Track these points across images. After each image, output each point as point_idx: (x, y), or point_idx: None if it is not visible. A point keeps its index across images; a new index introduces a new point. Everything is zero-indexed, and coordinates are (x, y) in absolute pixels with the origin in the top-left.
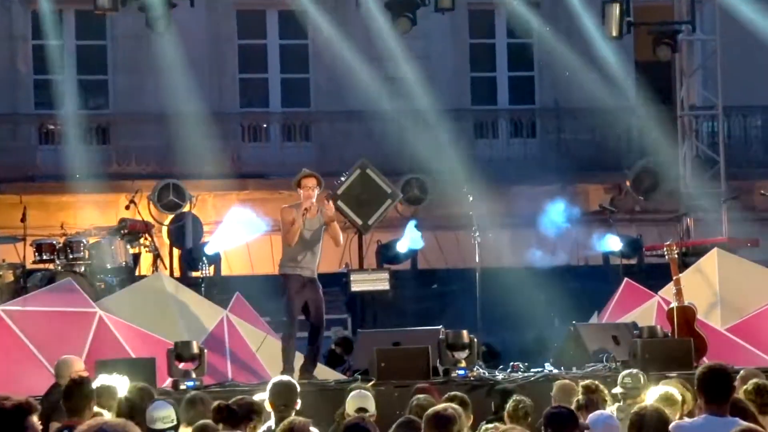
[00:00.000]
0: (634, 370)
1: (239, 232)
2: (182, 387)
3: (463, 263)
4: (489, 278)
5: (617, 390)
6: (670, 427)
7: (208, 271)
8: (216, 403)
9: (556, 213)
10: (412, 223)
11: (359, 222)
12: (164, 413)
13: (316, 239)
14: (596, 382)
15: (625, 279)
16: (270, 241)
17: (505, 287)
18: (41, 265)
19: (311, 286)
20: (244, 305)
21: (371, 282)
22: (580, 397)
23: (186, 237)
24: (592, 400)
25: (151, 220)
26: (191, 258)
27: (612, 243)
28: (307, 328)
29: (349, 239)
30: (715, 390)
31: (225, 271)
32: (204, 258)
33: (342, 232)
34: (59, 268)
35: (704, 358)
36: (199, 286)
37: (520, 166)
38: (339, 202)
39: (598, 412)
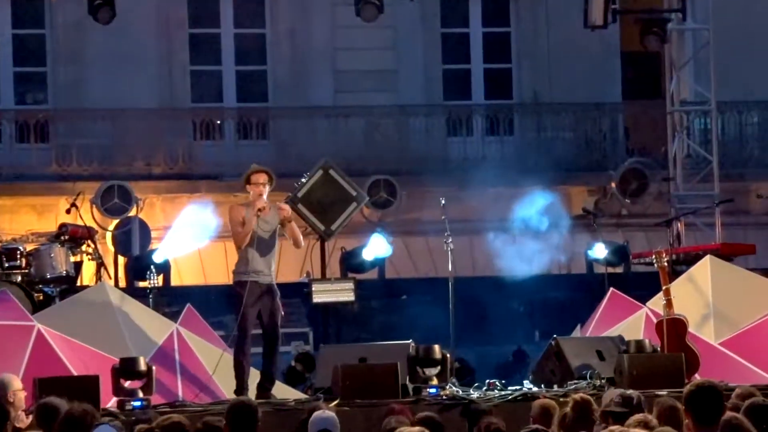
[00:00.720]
0: (629, 391)
1: (191, 236)
2: (128, 407)
3: (434, 272)
4: (463, 288)
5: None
6: None
7: (157, 280)
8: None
9: (535, 213)
10: (378, 230)
11: (321, 227)
12: None
13: (272, 242)
14: (589, 397)
15: (611, 289)
16: (224, 247)
17: (480, 298)
18: None
19: (268, 294)
20: (196, 318)
21: (335, 293)
22: (569, 412)
23: (132, 243)
24: (585, 417)
25: (94, 225)
26: (138, 266)
27: (596, 250)
28: (262, 342)
29: (310, 246)
30: (705, 409)
31: (175, 281)
32: (152, 266)
33: (303, 238)
34: None
35: (696, 375)
36: (146, 297)
37: (496, 166)
38: (299, 206)
39: None
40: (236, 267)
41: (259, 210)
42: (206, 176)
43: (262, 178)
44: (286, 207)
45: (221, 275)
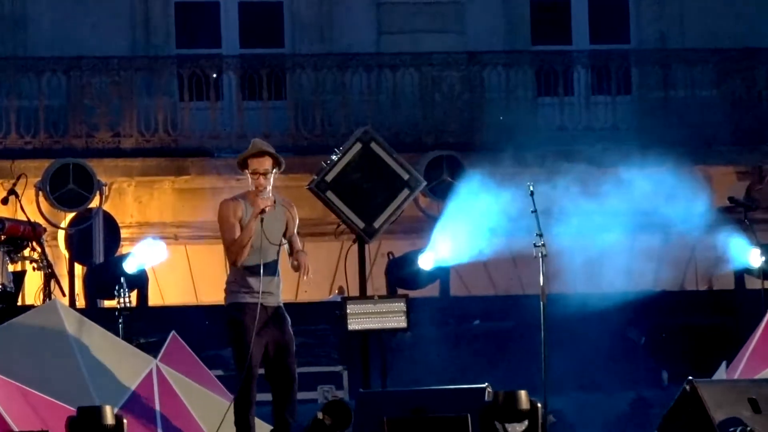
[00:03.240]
0: None
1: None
2: None
3: (519, 287)
4: (558, 310)
5: None
6: None
7: (129, 298)
8: None
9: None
10: (440, 226)
11: (360, 225)
12: None
13: (276, 251)
14: None
15: None
16: (222, 253)
17: (583, 325)
18: None
19: (276, 320)
20: (183, 351)
21: (379, 317)
22: None
23: (94, 247)
24: None
25: (40, 220)
26: (103, 279)
27: (749, 256)
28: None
29: (344, 251)
30: None
31: (155, 299)
32: (122, 279)
33: (336, 238)
34: None
35: None
36: (115, 322)
37: (605, 137)
38: (328, 194)
39: None
40: (230, 283)
41: (262, 210)
42: (197, 152)
43: (265, 163)
44: (305, 264)
45: (219, 291)
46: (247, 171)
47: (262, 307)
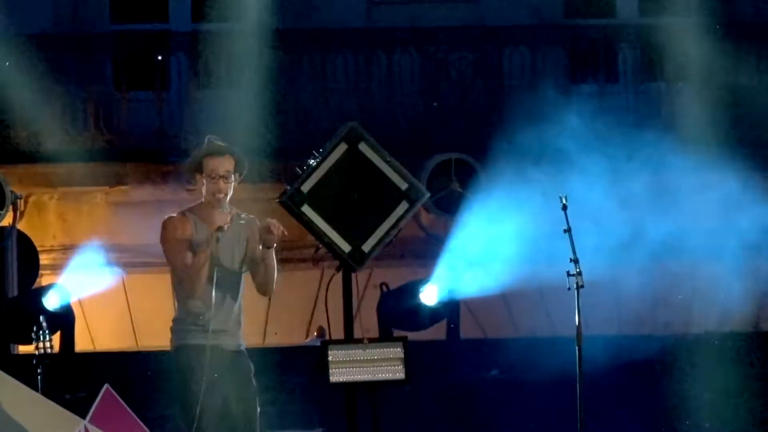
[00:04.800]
0: None
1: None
2: None
3: (550, 326)
4: (599, 357)
5: None
6: None
7: (51, 343)
8: None
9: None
10: (447, 249)
11: (345, 248)
12: None
13: (237, 279)
14: None
15: None
16: (170, 282)
17: (630, 375)
18: None
19: (235, 368)
20: (118, 409)
21: (369, 365)
22: None
23: (6, 276)
24: None
25: None
26: (17, 318)
27: None
28: None
29: (324, 281)
30: None
31: (83, 343)
32: (42, 318)
33: (312, 265)
34: None
35: None
36: (33, 373)
37: (658, 136)
38: (305, 208)
39: None
40: (176, 321)
41: (219, 227)
42: (137, 155)
43: (225, 163)
44: (273, 223)
45: (165, 333)
46: (199, 176)
47: (216, 349)
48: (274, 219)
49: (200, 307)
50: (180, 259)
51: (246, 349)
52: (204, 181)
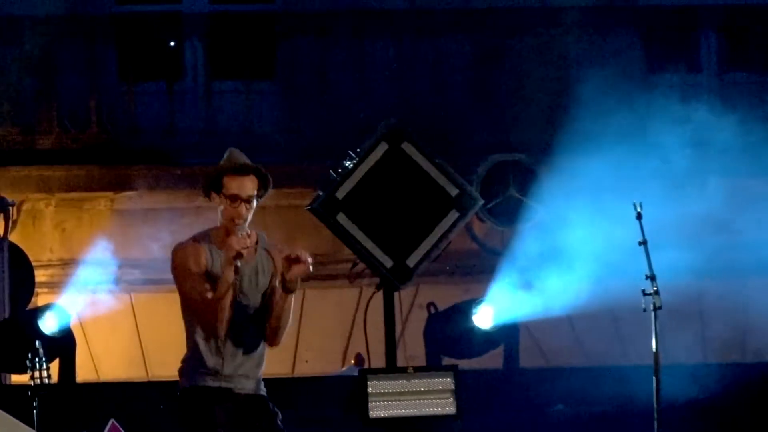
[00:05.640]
0: None
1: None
2: None
3: (620, 354)
4: (681, 388)
5: None
6: None
7: (48, 372)
8: None
9: None
10: (504, 265)
11: (387, 263)
12: None
13: (258, 315)
14: None
15: None
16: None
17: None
18: None
19: (256, 415)
20: None
21: (415, 398)
22: None
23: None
24: None
25: None
26: (10, 343)
27: None
28: None
29: (363, 301)
30: None
31: (86, 372)
32: (39, 343)
33: (351, 284)
34: None
35: None
36: (28, 406)
37: (750, 133)
38: (340, 217)
39: None
40: (186, 360)
41: (238, 254)
42: (146, 156)
43: (247, 185)
44: (302, 255)
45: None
46: (216, 196)
47: (233, 394)
48: (302, 251)
49: (211, 345)
50: (196, 295)
51: (272, 378)
52: (221, 202)
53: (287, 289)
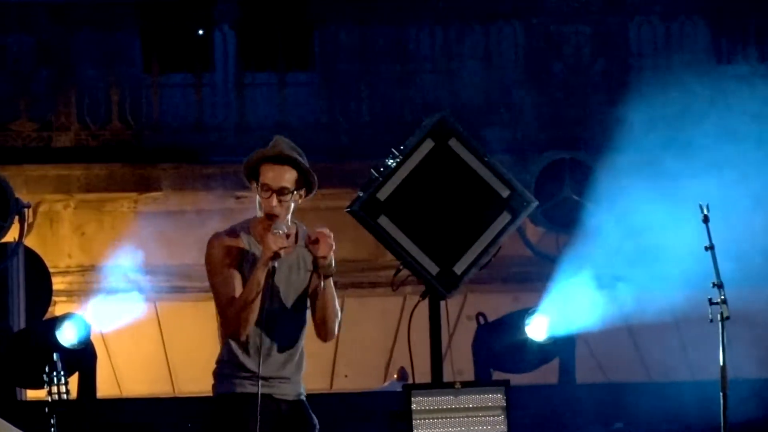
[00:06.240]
0: None
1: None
2: None
3: (685, 368)
4: (748, 404)
5: None
6: None
7: (67, 387)
8: None
9: None
10: (560, 272)
11: (432, 270)
12: None
13: (298, 314)
14: None
15: None
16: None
17: None
18: None
19: (295, 422)
20: None
21: (463, 415)
22: None
23: (11, 304)
24: None
25: None
26: (25, 356)
27: None
28: None
29: (406, 311)
30: None
31: (107, 388)
32: (57, 356)
33: (394, 291)
34: None
35: None
36: (45, 423)
37: None
38: (382, 220)
39: None
40: (222, 364)
41: (275, 254)
42: (173, 154)
43: (283, 175)
44: (321, 232)
45: (208, 375)
46: (254, 185)
47: (271, 400)
48: (325, 228)
49: (248, 348)
50: (226, 290)
51: (308, 394)
52: (259, 193)
53: (321, 275)
